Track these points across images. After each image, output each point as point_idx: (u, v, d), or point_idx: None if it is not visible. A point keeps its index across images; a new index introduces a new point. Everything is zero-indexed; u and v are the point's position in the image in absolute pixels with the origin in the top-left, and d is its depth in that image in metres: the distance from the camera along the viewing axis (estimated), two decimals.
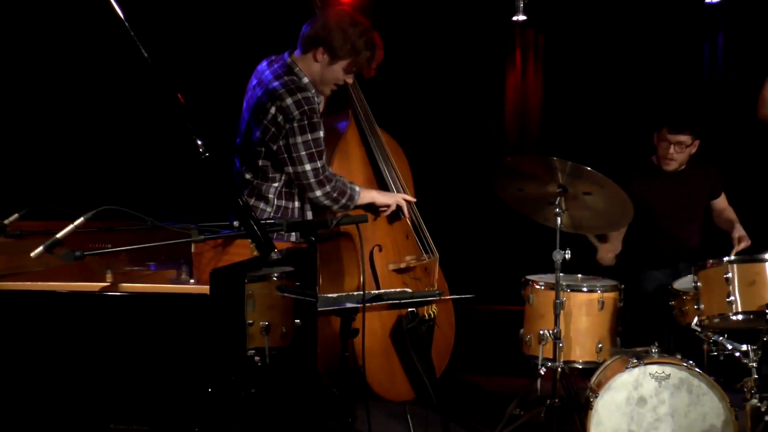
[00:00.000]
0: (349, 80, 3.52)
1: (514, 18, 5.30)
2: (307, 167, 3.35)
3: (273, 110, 3.31)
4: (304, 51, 3.44)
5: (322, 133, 3.38)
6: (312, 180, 3.37)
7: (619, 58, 5.65)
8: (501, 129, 5.98)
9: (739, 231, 4.38)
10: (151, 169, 5.04)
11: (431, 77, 5.77)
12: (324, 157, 3.41)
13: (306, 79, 3.41)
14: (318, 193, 3.40)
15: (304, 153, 3.33)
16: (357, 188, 3.52)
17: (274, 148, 3.34)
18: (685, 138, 4.39)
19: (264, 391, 2.14)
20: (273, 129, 3.32)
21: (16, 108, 4.69)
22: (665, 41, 5.58)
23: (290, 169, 3.36)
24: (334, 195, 3.43)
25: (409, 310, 3.55)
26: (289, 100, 3.31)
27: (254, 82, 3.49)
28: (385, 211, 3.66)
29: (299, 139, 3.31)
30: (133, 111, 4.86)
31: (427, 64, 5.72)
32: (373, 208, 3.65)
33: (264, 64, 3.54)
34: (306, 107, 3.30)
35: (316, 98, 3.41)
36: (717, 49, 5.55)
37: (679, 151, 4.41)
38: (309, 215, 3.51)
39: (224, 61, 5.19)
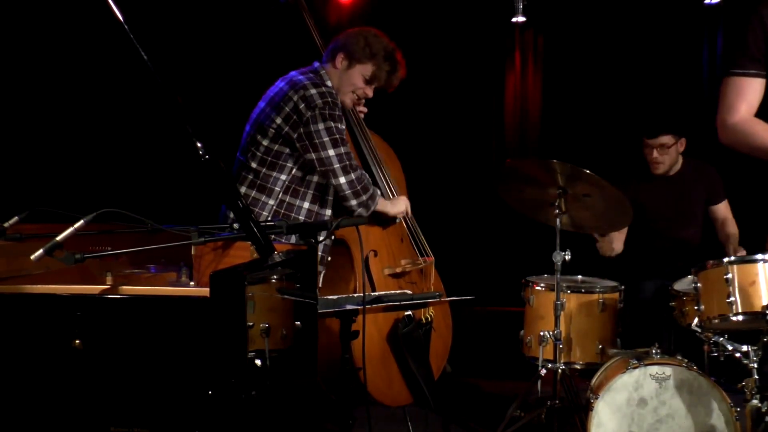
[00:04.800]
0: (369, 93, 3.55)
1: (514, 19, 5.31)
2: (331, 152, 3.36)
3: (296, 98, 3.36)
4: (327, 60, 3.55)
5: (344, 127, 3.41)
6: (336, 165, 3.37)
7: (618, 59, 5.65)
8: (500, 130, 5.98)
9: (734, 246, 4.34)
10: (150, 172, 5.04)
11: (430, 79, 5.76)
12: (347, 146, 3.42)
13: (330, 83, 3.47)
14: (342, 179, 3.39)
15: (326, 139, 3.34)
16: (378, 191, 3.55)
17: (295, 135, 3.36)
18: (665, 139, 4.41)
19: (264, 393, 2.13)
20: (294, 116, 3.35)
21: (16, 110, 4.69)
22: (665, 42, 5.58)
23: (313, 155, 3.36)
24: (358, 187, 3.42)
25: (405, 314, 3.55)
26: (313, 90, 3.36)
27: (281, 83, 3.51)
28: (396, 217, 3.69)
29: (321, 126, 3.33)
30: (133, 113, 4.86)
31: (427, 66, 5.71)
32: (379, 216, 3.65)
33: (293, 71, 3.58)
34: (329, 99, 3.36)
35: (339, 103, 3.45)
36: (717, 50, 5.54)
37: (663, 153, 4.42)
38: (326, 217, 3.51)
39: (223, 64, 5.20)
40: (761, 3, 2.70)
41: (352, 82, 3.52)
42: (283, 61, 3.65)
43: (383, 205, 3.60)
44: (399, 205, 3.69)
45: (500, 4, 5.41)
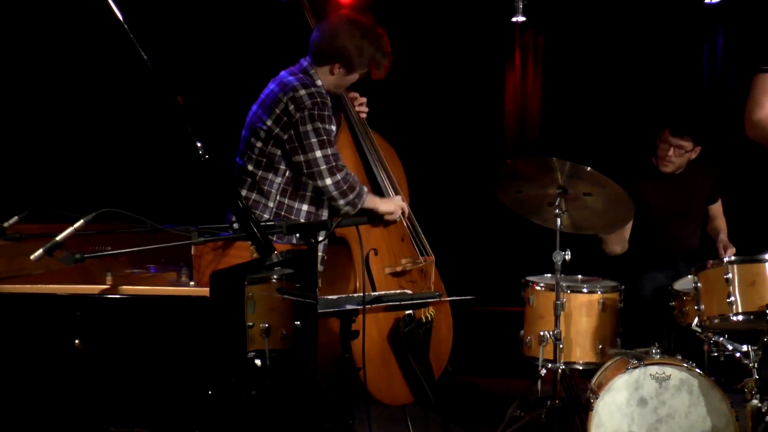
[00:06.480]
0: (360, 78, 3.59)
1: (514, 19, 5.31)
2: (318, 154, 3.37)
3: (285, 100, 3.38)
4: (319, 63, 3.52)
5: (334, 128, 3.42)
6: (323, 167, 3.38)
7: (618, 59, 5.65)
8: (501, 130, 5.98)
9: (724, 240, 4.48)
10: (150, 172, 5.04)
11: (430, 78, 5.77)
12: (335, 147, 3.42)
13: (320, 82, 3.49)
14: (328, 181, 3.40)
15: (314, 140, 3.36)
16: (365, 188, 3.54)
17: (285, 137, 3.37)
18: (685, 143, 4.41)
19: (264, 393, 2.13)
20: (285, 118, 3.37)
21: (16, 109, 4.69)
22: (665, 42, 5.58)
23: (301, 157, 3.38)
24: (344, 187, 3.43)
25: (406, 313, 3.56)
26: (302, 91, 3.38)
27: (271, 85, 3.52)
28: (388, 218, 3.68)
29: (309, 127, 3.35)
30: (133, 113, 4.86)
31: (427, 65, 5.72)
32: (373, 216, 3.65)
33: (283, 72, 3.59)
34: (318, 99, 3.38)
35: (329, 102, 3.46)
36: (717, 50, 5.54)
37: (678, 155, 4.43)
38: (323, 218, 3.51)
39: (225, 64, 5.20)
40: None
41: (349, 82, 3.59)
42: (285, 62, 3.64)
43: (372, 202, 3.58)
44: (389, 205, 3.66)
45: (500, 4, 5.41)
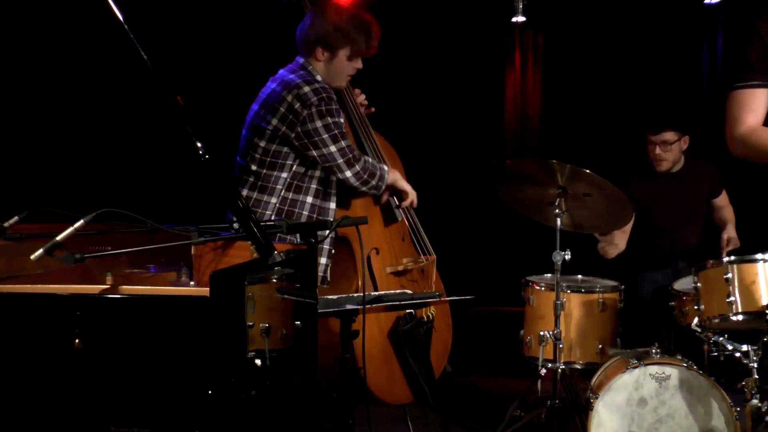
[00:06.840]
0: (359, 65, 3.57)
1: (514, 19, 5.31)
2: (333, 148, 3.36)
3: (290, 98, 3.36)
4: (306, 55, 3.54)
5: (342, 120, 3.42)
6: (340, 160, 3.38)
7: (618, 59, 5.65)
8: (501, 130, 5.98)
9: (729, 232, 4.47)
10: (150, 172, 5.04)
11: (430, 78, 5.77)
12: (347, 139, 3.42)
13: (319, 77, 3.48)
14: (348, 173, 3.41)
15: (326, 135, 3.35)
16: (385, 167, 3.56)
17: (292, 134, 3.36)
18: (668, 136, 4.41)
19: (264, 393, 2.13)
20: (291, 116, 3.35)
21: (16, 109, 4.69)
22: (665, 42, 5.58)
23: (315, 152, 3.37)
24: (365, 176, 3.44)
25: (407, 312, 3.56)
26: (306, 88, 3.36)
27: (272, 84, 3.52)
28: (404, 196, 3.69)
29: (319, 123, 3.34)
30: (133, 113, 4.86)
31: (427, 65, 5.72)
32: (381, 215, 3.66)
33: (281, 70, 3.59)
34: (324, 94, 3.37)
35: (334, 96, 3.46)
36: (717, 50, 5.55)
37: (665, 150, 4.43)
38: (331, 213, 3.51)
39: (226, 64, 5.20)
40: (760, 19, 2.71)
41: (340, 68, 3.53)
42: (286, 61, 3.64)
43: (393, 177, 3.61)
44: (406, 184, 3.70)
45: (500, 4, 5.41)
